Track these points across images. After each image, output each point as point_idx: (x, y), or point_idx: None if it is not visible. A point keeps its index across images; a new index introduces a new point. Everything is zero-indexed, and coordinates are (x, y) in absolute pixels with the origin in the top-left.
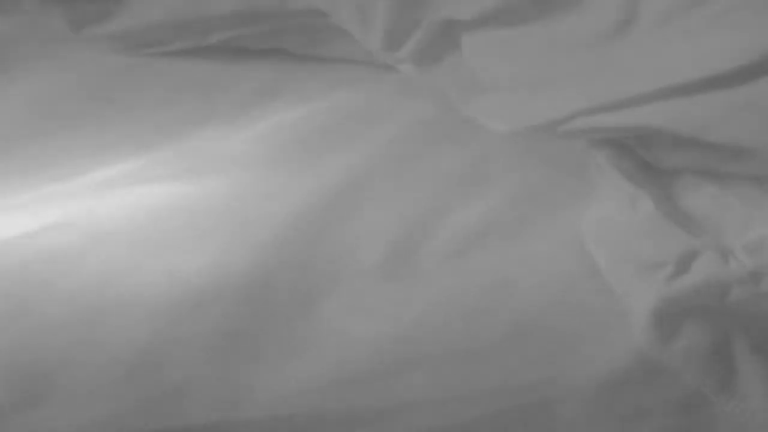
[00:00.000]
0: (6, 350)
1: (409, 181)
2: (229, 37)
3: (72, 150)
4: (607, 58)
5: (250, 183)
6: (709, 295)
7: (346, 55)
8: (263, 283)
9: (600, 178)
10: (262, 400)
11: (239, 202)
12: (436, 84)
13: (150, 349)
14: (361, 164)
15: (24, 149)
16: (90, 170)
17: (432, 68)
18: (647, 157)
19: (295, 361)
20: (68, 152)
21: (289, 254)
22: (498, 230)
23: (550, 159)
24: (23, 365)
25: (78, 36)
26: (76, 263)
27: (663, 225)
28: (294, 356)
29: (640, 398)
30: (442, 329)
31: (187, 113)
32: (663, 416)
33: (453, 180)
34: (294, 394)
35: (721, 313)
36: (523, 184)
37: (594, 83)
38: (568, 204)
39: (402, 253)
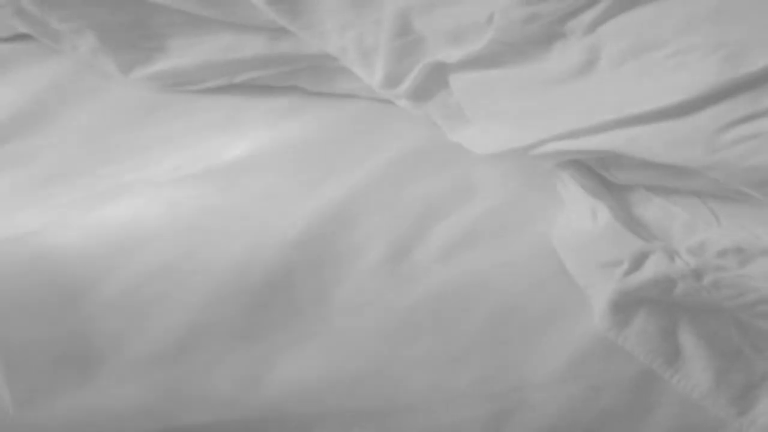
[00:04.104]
0: (59, 336)
1: (405, 193)
2: (253, 77)
3: (115, 163)
4: (572, 94)
5: (271, 193)
6: (659, 289)
7: (351, 91)
8: (282, 281)
9: (565, 192)
10: (266, 399)
11: (262, 209)
12: (428, 115)
13: (185, 339)
14: (365, 179)
15: (78, 163)
16: (132, 181)
17: (425, 102)
18: (605, 175)
19: (304, 356)
20: (111, 165)
21: (304, 254)
22: (480, 236)
23: (524, 177)
24: (75, 349)
25: (126, 77)
26: (123, 259)
27: (619, 231)
28: (304, 351)
29: (600, 374)
30: (432, 326)
31: (215, 137)
32: (617, 389)
33: (443, 193)
34: (297, 392)
35: (669, 303)
36: (502, 197)
37: (561, 115)
38: (539, 214)
39: (399, 255)
